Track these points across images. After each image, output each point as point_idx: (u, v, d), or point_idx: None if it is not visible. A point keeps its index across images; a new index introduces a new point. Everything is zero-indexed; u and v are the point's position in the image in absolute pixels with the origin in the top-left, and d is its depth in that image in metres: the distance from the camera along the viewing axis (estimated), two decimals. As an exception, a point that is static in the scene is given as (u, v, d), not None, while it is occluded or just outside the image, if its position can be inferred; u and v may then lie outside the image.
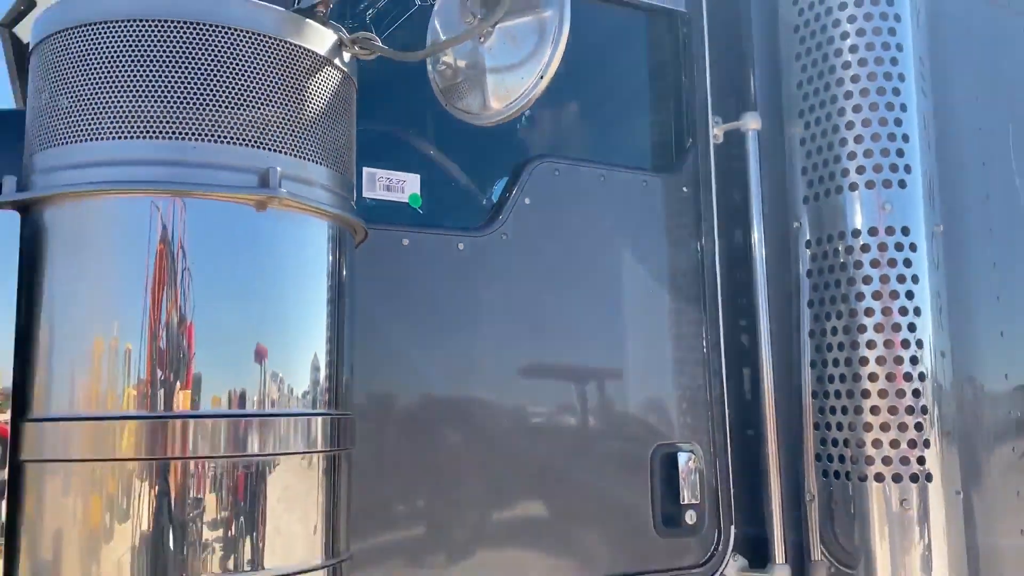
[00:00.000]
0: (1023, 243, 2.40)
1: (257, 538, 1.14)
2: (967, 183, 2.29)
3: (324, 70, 1.24)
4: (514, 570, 1.74)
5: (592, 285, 1.95)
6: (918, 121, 2.02)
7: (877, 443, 1.93)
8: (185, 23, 1.14)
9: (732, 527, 2.03)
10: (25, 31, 2.61)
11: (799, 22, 2.14)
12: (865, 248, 1.95)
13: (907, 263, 1.94)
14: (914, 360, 1.92)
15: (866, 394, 1.93)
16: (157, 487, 1.10)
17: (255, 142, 1.15)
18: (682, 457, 2.01)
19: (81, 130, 1.13)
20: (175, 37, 1.14)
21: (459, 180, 1.92)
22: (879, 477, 1.91)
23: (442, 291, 1.76)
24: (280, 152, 1.17)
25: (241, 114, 1.14)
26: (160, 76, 1.12)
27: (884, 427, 1.93)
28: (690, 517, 1.99)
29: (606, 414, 1.95)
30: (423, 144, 1.87)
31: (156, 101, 1.12)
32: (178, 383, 1.12)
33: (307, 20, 1.24)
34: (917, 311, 1.93)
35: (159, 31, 1.14)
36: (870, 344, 1.93)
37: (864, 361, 1.93)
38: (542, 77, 1.18)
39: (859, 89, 2.01)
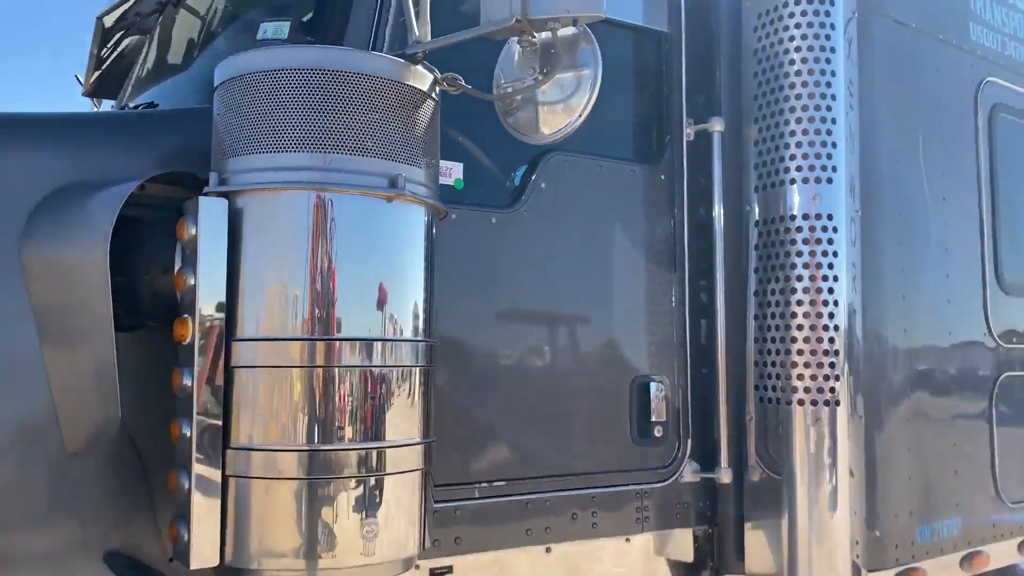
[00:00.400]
0: (925, 225, 3.01)
1: (378, 420, 1.69)
2: (884, 175, 2.88)
3: (425, 101, 1.76)
4: (531, 459, 2.33)
5: (590, 251, 2.51)
6: (845, 131, 2.60)
7: (800, 377, 2.55)
8: (336, 71, 1.65)
9: (689, 440, 2.65)
10: (109, 18, 3.05)
11: (757, 47, 2.69)
12: (799, 229, 2.55)
13: (830, 242, 2.54)
14: (831, 316, 2.53)
15: (794, 340, 2.54)
16: (316, 384, 1.65)
17: (383, 154, 1.67)
18: (653, 386, 2.61)
19: (265, 144, 1.64)
20: (329, 81, 1.65)
21: (491, 169, 2.44)
22: (800, 402, 2.53)
23: (479, 254, 2.30)
24: (399, 161, 1.69)
25: (374, 134, 1.66)
26: (320, 108, 1.64)
27: (806, 365, 2.55)
28: (658, 431, 2.59)
29: (597, 352, 2.52)
30: (465, 140, 2.38)
31: (318, 125, 1.63)
32: (328, 316, 1.66)
33: (412, 65, 1.76)
34: (835, 279, 2.54)
35: (318, 77, 1.65)
36: (799, 303, 2.54)
37: (794, 315, 2.54)
38: (580, 116, 1.72)
39: (800, 105, 2.58)
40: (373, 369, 1.69)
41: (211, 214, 1.61)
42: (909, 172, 2.97)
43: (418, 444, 1.74)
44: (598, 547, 2.48)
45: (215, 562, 1.59)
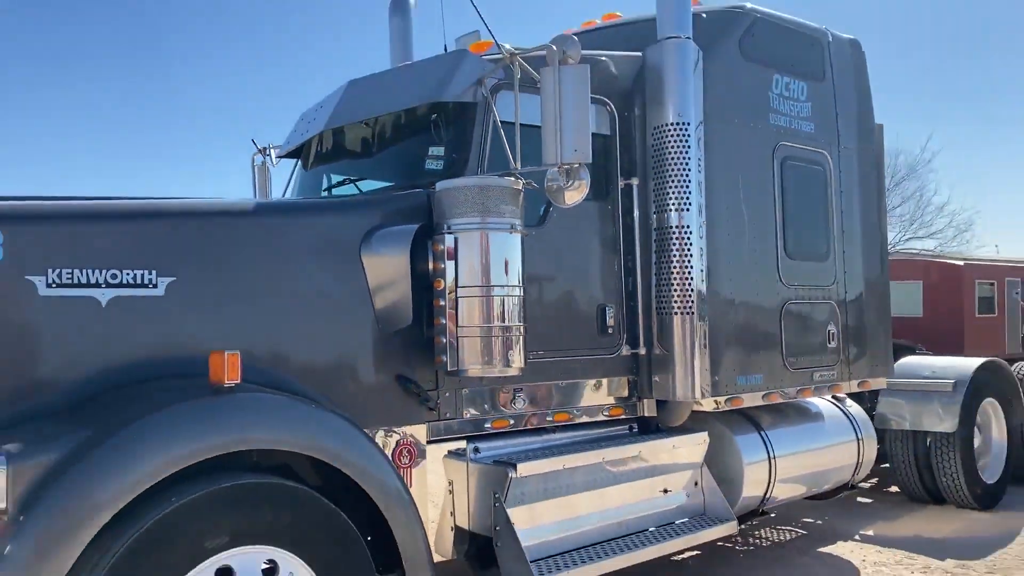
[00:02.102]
0: (741, 225, 5.85)
1: (504, 315, 4.44)
2: (718, 203, 5.69)
3: (521, 193, 4.47)
4: (554, 342, 5.09)
5: (578, 245, 5.26)
6: (695, 184, 5.39)
7: (676, 302, 5.37)
8: (489, 186, 4.37)
9: (625, 334, 5.44)
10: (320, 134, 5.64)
11: (653, 142, 5.46)
12: (673, 233, 5.35)
13: (688, 239, 5.34)
14: (689, 274, 5.35)
15: (672, 285, 5.36)
16: (484, 305, 4.38)
17: (507, 215, 4.38)
18: (607, 309, 5.39)
19: (462, 213, 4.34)
20: (486, 189, 4.36)
21: (528, 208, 5.15)
22: (676, 313, 5.36)
23: (528, 249, 5.01)
24: (512, 217, 4.39)
25: (504, 206, 4.38)
26: (484, 199, 4.35)
27: (678, 297, 5.37)
28: (610, 330, 5.37)
29: (583, 293, 5.28)
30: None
31: (483, 205, 4.34)
32: (488, 276, 4.38)
33: (515, 178, 4.47)
34: (691, 256, 5.34)
35: (483, 189, 4.35)
36: (674, 268, 5.34)
37: (672, 274, 5.34)
38: (583, 198, 4.43)
39: (673, 172, 5.36)
40: (502, 298, 4.41)
41: (448, 240, 4.32)
42: (732, 199, 5.81)
43: (520, 324, 4.48)
44: (585, 384, 5.29)
45: (453, 368, 4.32)
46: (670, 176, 5.39)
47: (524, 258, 4.52)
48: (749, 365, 5.84)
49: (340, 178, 5.64)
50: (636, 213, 5.50)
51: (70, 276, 3.65)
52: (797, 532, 7.30)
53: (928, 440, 7.98)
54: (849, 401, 7.13)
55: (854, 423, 6.89)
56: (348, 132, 5.60)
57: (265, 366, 4.06)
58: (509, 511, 4.56)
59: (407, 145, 5.24)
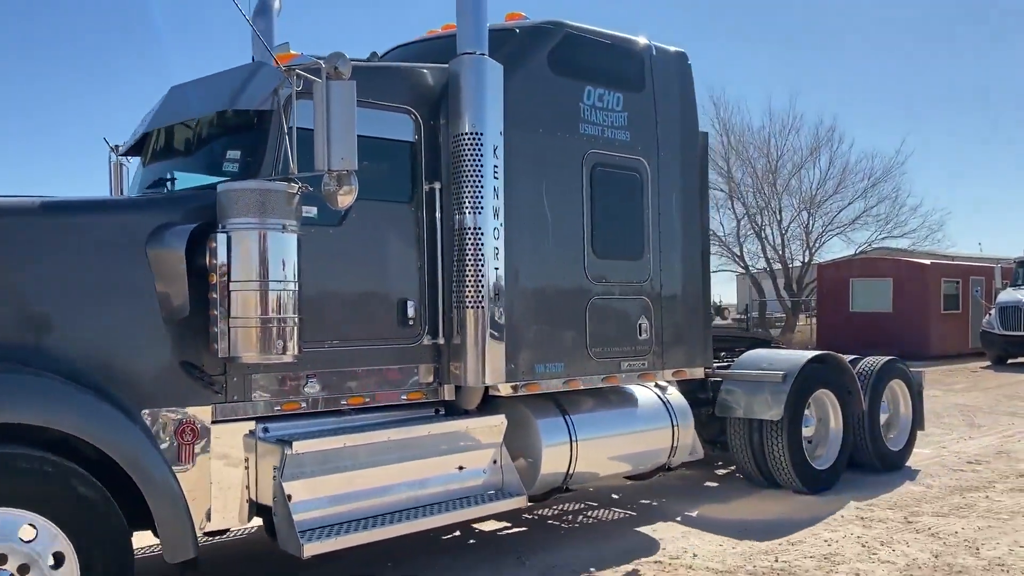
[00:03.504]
0: (545, 227, 6.33)
1: (282, 307, 4.90)
2: (520, 206, 6.17)
3: (297, 195, 4.93)
4: (354, 333, 5.56)
5: (380, 244, 5.71)
6: (489, 188, 5.86)
7: (470, 297, 5.84)
8: (265, 189, 4.82)
9: (426, 325, 5.86)
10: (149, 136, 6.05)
11: (453, 150, 5.91)
12: (468, 233, 5.80)
13: (480, 239, 5.80)
14: (482, 273, 5.82)
15: (467, 283, 5.82)
16: (260, 297, 4.84)
17: (282, 215, 4.84)
18: (409, 303, 5.83)
19: (240, 213, 4.79)
20: (264, 193, 4.81)
21: (329, 207, 5.58)
22: (469, 306, 5.83)
23: (328, 245, 5.44)
24: (285, 218, 4.85)
25: (279, 208, 4.83)
26: (262, 200, 4.80)
27: (471, 293, 5.84)
28: (411, 322, 5.81)
29: (385, 288, 5.73)
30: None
31: (260, 206, 4.79)
32: (264, 270, 4.84)
33: (292, 183, 4.92)
34: (483, 256, 5.80)
35: (260, 192, 4.80)
36: (469, 267, 5.78)
37: (467, 273, 5.79)
38: (353, 202, 4.87)
39: (468, 177, 5.80)
40: (276, 292, 4.86)
41: (222, 239, 4.76)
42: (536, 203, 6.28)
43: (294, 316, 4.94)
44: (383, 370, 5.75)
45: (225, 355, 4.77)
46: (465, 181, 5.85)
47: (303, 255, 4.96)
48: (550, 354, 6.34)
49: (169, 175, 6.06)
50: (439, 215, 5.95)
51: None
52: (626, 513, 7.83)
53: (760, 427, 8.53)
54: (671, 390, 7.64)
55: (671, 411, 7.40)
56: (175, 132, 6.02)
57: (47, 351, 4.48)
58: (284, 484, 5.03)
59: (215, 147, 5.66)
